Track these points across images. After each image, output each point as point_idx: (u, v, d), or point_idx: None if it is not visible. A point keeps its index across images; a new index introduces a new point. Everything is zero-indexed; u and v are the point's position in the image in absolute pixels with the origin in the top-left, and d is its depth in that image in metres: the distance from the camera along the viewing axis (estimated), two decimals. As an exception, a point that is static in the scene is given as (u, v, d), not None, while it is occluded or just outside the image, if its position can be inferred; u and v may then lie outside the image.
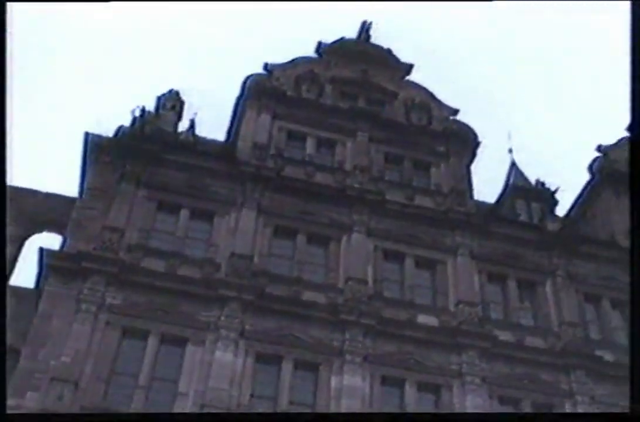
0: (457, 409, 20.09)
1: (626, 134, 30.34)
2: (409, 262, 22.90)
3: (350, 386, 19.58)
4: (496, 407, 20.49)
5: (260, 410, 18.88)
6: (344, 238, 22.87)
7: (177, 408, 18.27)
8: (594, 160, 28.49)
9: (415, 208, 24.25)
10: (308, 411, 19.09)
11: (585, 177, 28.39)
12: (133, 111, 23.55)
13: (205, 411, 18.16)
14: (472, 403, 20.22)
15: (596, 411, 20.91)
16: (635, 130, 6.91)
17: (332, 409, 19.14)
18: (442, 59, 63.03)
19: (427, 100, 28.25)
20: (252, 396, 19.12)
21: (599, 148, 28.86)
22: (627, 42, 8.00)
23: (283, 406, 18.98)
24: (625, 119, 31.43)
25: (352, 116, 26.44)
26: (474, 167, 26.65)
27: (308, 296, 21.23)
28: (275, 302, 20.68)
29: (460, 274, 22.91)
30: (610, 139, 29.91)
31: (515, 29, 65.54)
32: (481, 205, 26.06)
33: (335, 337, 20.49)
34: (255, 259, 21.49)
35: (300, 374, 19.79)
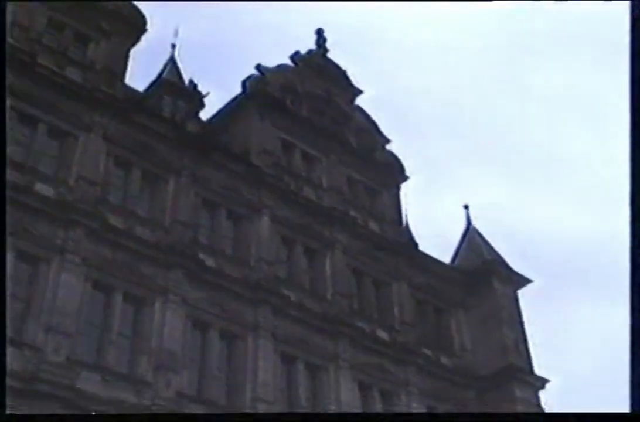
0: (50, 284, 22.76)
1: (288, 62, 34.98)
2: (41, 128, 25.20)
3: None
4: (89, 291, 23.54)
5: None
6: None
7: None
8: (249, 77, 32.59)
9: (63, 78, 26.47)
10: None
11: (238, 91, 32.49)
12: None
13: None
14: (66, 282, 22.92)
15: (184, 311, 24.96)
16: (636, 131, 8.50)
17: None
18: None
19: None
20: None
21: (258, 67, 33.02)
22: (626, 43, 8.83)
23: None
24: (292, 49, 36.09)
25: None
26: (134, 53, 29.42)
27: None
28: None
29: (87, 152, 25.69)
30: (274, 62, 34.41)
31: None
32: (130, 91, 29.03)
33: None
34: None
35: None
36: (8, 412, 12.03)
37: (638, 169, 8.48)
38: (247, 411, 24.63)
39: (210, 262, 26.64)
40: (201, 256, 26.46)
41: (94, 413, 20.42)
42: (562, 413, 25.68)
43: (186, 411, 23.19)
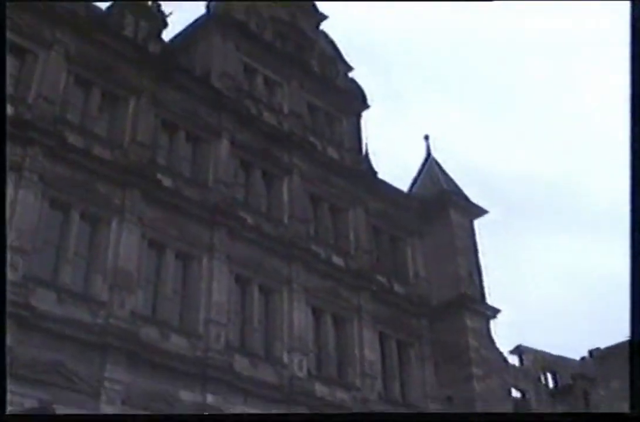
0: (7, 202, 22.53)
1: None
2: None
3: None
4: (46, 209, 23.81)
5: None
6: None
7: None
8: (213, -2, 32.68)
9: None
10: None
11: (202, 12, 32.59)
12: None
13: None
14: (23, 200, 23.10)
15: (140, 232, 25.47)
16: (636, 139, 8.61)
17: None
18: None
19: None
20: None
21: (226, -12, 33.05)
22: (627, 42, 8.89)
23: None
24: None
25: None
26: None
27: None
28: None
29: (47, 70, 25.80)
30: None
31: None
32: (92, 9, 28.99)
33: None
34: None
35: None
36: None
37: (638, 168, 8.78)
38: (200, 332, 25.37)
39: (168, 183, 27.11)
40: (159, 176, 26.89)
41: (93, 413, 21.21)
42: (563, 413, 26.39)
43: (140, 331, 23.87)
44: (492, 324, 34.31)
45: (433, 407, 30.93)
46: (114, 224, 25.15)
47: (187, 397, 24.04)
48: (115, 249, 24.74)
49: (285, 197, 30.68)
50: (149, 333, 24.25)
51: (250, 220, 28.79)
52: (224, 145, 29.38)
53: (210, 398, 24.32)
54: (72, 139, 25.35)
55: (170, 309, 25.57)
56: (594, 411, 39.54)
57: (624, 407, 37.61)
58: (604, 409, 39.68)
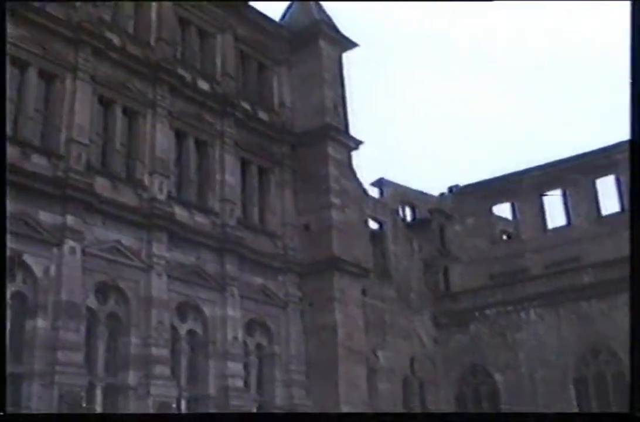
0: None
1: None
2: None
3: None
4: None
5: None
6: None
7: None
8: None
9: None
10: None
11: None
12: None
13: None
14: None
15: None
16: (636, 132, 8.78)
17: None
18: None
19: None
20: None
21: None
22: (627, 42, 9.09)
23: None
24: None
25: None
26: None
27: None
28: None
29: None
30: None
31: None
32: None
33: None
34: None
35: None
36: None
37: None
38: (61, 152, 25.84)
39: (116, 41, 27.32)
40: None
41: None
42: (564, 413, 27.50)
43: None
44: (355, 156, 35.77)
45: (290, 234, 32.54)
46: (-25, 42, 24.84)
47: (47, 218, 24.81)
48: (-25, 67, 24.56)
49: (154, 18, 30.60)
50: (10, 153, 24.31)
51: (116, 40, 28.82)
52: (91, -38, 28.88)
53: (69, 219, 25.10)
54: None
55: (32, 128, 25.88)
56: (448, 244, 42.09)
57: (477, 242, 40.71)
58: (457, 242, 42.26)
